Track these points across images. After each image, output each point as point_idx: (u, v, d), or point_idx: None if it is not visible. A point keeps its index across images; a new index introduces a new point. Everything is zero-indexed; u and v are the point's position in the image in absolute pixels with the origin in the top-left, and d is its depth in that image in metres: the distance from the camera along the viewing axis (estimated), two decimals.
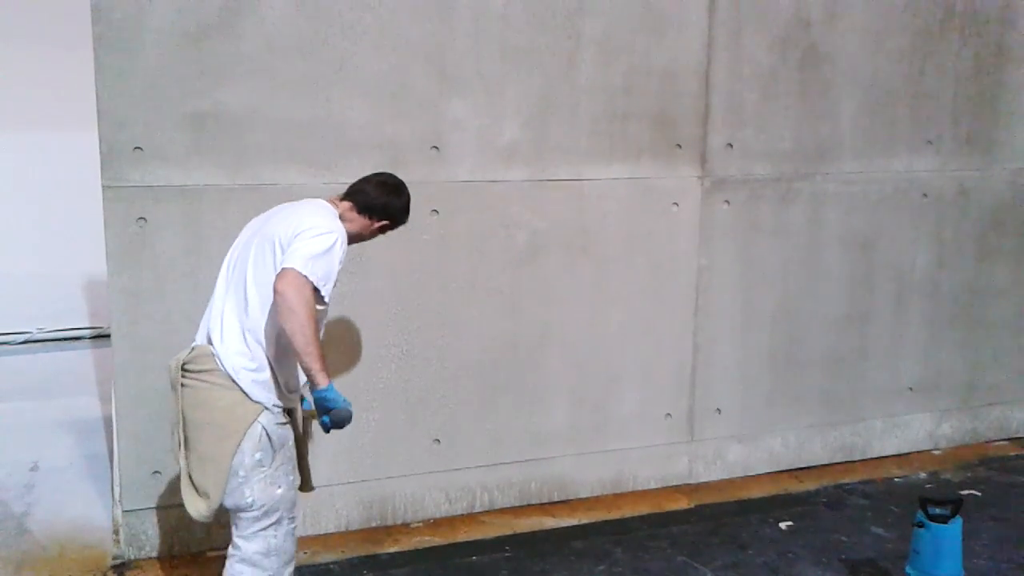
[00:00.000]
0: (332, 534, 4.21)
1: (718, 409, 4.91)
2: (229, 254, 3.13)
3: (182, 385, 2.96)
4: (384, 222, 3.19)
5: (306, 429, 3.29)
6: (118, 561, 3.93)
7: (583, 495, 4.68)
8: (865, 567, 4.04)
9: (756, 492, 4.84)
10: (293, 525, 3.10)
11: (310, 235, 2.87)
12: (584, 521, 4.46)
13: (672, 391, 4.80)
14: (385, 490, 4.29)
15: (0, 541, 4.06)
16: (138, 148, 3.70)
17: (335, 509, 4.22)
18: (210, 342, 2.97)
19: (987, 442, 5.59)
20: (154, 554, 3.97)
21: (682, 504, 4.68)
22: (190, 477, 2.98)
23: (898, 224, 5.15)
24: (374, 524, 4.29)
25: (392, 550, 4.11)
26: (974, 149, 5.27)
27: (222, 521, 4.00)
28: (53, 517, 4.29)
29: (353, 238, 3.11)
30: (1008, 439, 5.64)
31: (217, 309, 3.01)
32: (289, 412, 3.07)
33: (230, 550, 3.04)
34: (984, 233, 5.38)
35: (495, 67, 4.21)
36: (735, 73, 4.66)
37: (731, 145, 4.71)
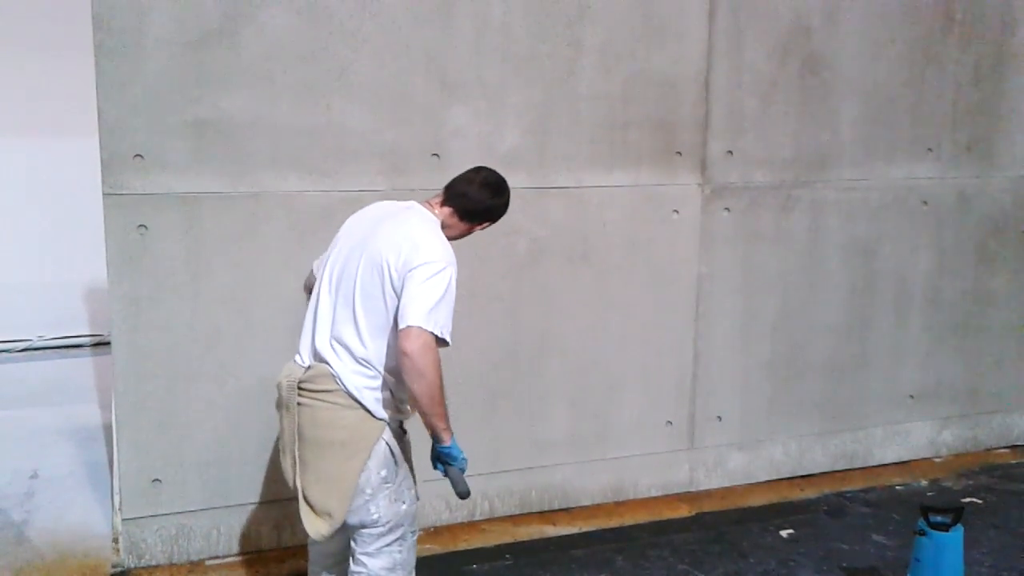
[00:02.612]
0: None
1: (719, 416, 4.90)
2: (328, 263, 3.00)
3: (298, 404, 2.91)
4: (485, 224, 3.13)
5: None
6: (118, 569, 3.92)
7: (584, 503, 4.67)
8: (866, 575, 4.02)
9: (757, 500, 4.83)
10: (415, 538, 3.09)
11: (425, 275, 2.77)
12: (585, 529, 4.45)
13: (673, 398, 4.79)
14: None
15: (0, 549, 4.06)
16: (139, 156, 3.71)
17: None
18: (322, 360, 2.91)
19: (988, 450, 5.58)
20: (154, 562, 3.96)
21: (683, 512, 4.67)
22: (305, 497, 2.92)
23: (898, 231, 5.15)
24: None
25: None
26: (974, 156, 5.28)
27: (221, 529, 4.03)
28: (53, 525, 4.28)
29: (451, 239, 3.02)
30: (1009, 447, 5.63)
31: (325, 327, 2.93)
32: (402, 425, 3.05)
33: (353, 567, 2.97)
34: (984, 240, 5.38)
35: (496, 74, 4.22)
36: (735, 80, 4.66)
37: (731, 152, 4.71)
